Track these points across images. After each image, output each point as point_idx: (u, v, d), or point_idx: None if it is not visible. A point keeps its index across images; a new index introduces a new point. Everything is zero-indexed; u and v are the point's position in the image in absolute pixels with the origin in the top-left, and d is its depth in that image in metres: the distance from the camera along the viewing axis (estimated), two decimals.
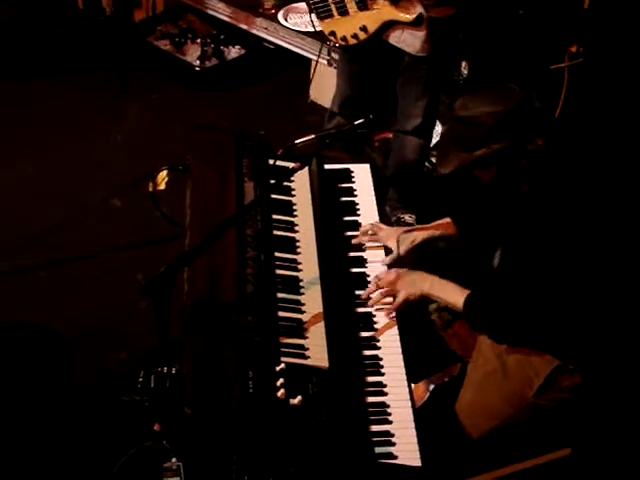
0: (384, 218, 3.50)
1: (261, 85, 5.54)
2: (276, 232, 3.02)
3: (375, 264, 3.13)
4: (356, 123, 3.00)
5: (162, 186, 3.12)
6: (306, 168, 3.02)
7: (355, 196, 3.35)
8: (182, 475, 2.67)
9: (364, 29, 3.94)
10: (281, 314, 2.76)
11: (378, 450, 2.59)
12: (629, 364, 3.15)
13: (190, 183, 3.06)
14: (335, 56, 4.82)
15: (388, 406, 2.71)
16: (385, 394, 2.74)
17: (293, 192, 3.18)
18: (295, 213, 3.11)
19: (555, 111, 4.36)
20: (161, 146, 4.81)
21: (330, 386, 2.61)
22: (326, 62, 5.07)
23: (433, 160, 4.55)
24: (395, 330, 2.92)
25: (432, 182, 4.40)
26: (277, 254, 2.94)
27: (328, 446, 2.46)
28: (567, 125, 4.35)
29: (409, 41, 3.92)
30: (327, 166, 3.38)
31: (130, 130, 5.12)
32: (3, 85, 5.25)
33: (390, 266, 3.12)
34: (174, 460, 2.70)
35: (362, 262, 3.13)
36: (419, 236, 3.18)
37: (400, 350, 2.86)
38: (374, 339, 2.89)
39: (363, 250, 3.18)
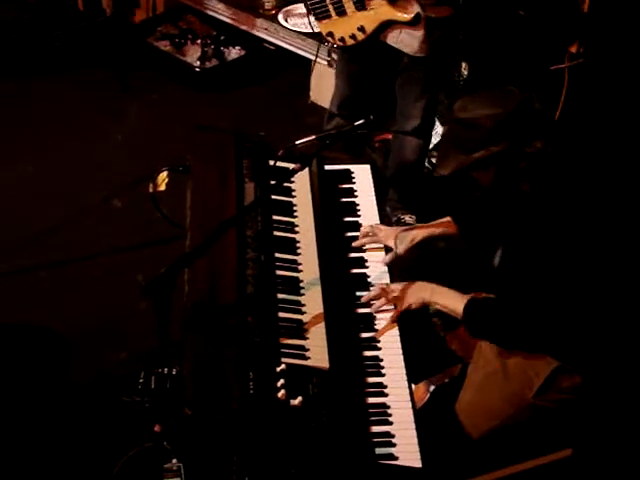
0: (384, 219, 3.50)
1: (261, 86, 5.54)
2: (276, 233, 3.02)
3: (376, 265, 3.13)
4: (356, 124, 3.00)
5: (162, 187, 3.12)
6: (306, 169, 3.02)
7: (355, 197, 3.35)
8: (182, 476, 2.68)
9: (362, 29, 3.94)
10: (281, 315, 2.76)
11: (378, 451, 2.59)
12: (629, 365, 3.16)
13: (190, 184, 3.06)
14: (335, 57, 4.82)
15: (388, 407, 2.71)
16: (385, 395, 2.74)
17: (293, 193, 3.18)
18: (295, 214, 3.11)
19: (555, 112, 4.36)
20: (161, 146, 4.81)
21: (330, 387, 2.61)
22: (326, 63, 5.08)
23: (433, 161, 4.56)
24: (396, 331, 2.92)
25: (432, 183, 4.40)
26: (277, 255, 2.94)
27: (329, 447, 2.46)
28: (566, 127, 4.35)
29: (407, 41, 3.92)
30: (327, 167, 3.38)
31: (130, 130, 5.12)
32: (3, 85, 5.25)
33: (390, 265, 3.12)
34: (175, 461, 2.71)
35: (362, 263, 3.13)
36: (419, 234, 3.18)
37: (401, 351, 2.86)
38: (374, 340, 2.89)
39: (363, 251, 3.18)
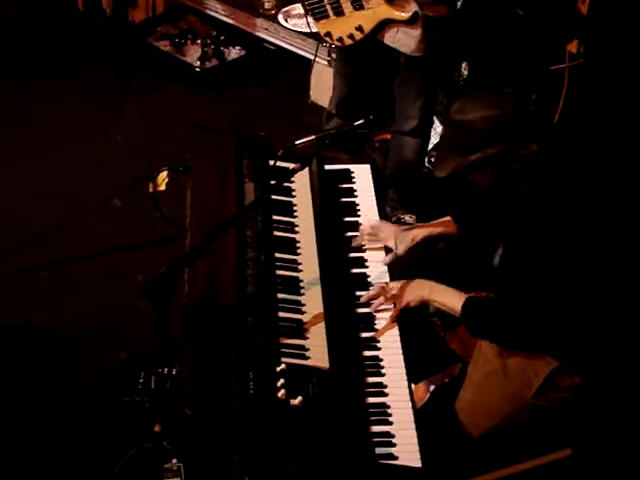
0: (384, 219, 3.50)
1: (261, 86, 5.54)
2: (276, 233, 3.02)
3: (375, 265, 3.13)
4: (356, 124, 3.00)
5: (162, 187, 3.12)
6: (306, 169, 3.02)
7: (355, 197, 3.35)
8: (182, 476, 2.68)
9: (360, 29, 3.94)
10: (281, 315, 2.76)
11: (378, 451, 2.59)
12: (628, 364, 3.16)
13: (190, 184, 3.06)
14: (335, 57, 4.82)
15: (388, 407, 2.71)
16: (385, 395, 2.74)
17: (293, 193, 3.18)
18: (295, 214, 3.11)
19: (555, 113, 4.36)
20: (161, 146, 4.82)
21: (330, 387, 2.61)
22: (326, 63, 5.08)
23: (433, 161, 4.55)
24: (395, 331, 2.92)
25: (432, 183, 4.40)
26: (277, 255, 2.94)
27: (328, 447, 2.46)
28: (566, 128, 4.35)
29: (404, 41, 3.93)
30: (327, 167, 3.38)
31: (130, 130, 5.12)
32: (3, 85, 5.25)
33: (390, 265, 3.12)
34: (175, 461, 2.71)
35: (362, 263, 3.13)
36: (419, 234, 3.18)
37: (400, 351, 2.86)
38: (374, 340, 2.89)
39: (363, 251, 3.18)
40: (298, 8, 5.37)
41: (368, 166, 3.47)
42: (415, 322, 3.07)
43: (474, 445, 2.96)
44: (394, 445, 2.61)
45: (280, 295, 2.81)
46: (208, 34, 5.66)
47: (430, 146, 4.57)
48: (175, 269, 2.43)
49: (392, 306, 2.97)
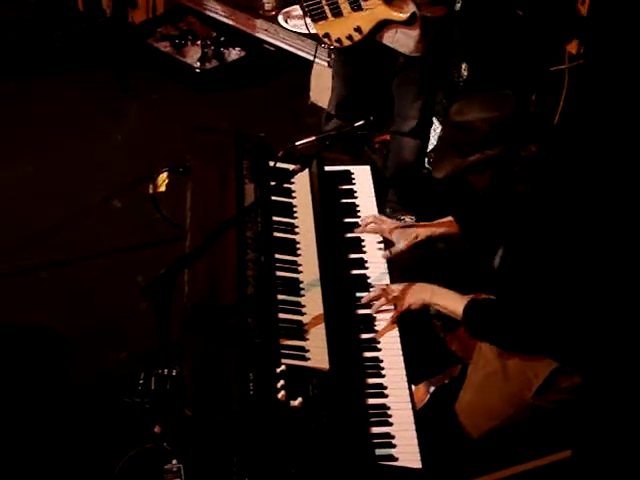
0: None
1: (261, 87, 5.54)
2: (276, 234, 3.02)
3: (375, 266, 3.13)
4: (356, 125, 3.00)
5: (162, 188, 3.12)
6: (306, 170, 3.02)
7: (355, 198, 3.35)
8: (183, 477, 2.68)
9: (358, 30, 3.95)
10: (281, 316, 2.76)
11: (378, 452, 2.59)
12: (628, 365, 3.16)
13: (190, 184, 3.06)
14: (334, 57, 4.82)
15: (388, 408, 2.71)
16: (385, 396, 2.74)
17: (293, 194, 3.18)
18: (295, 215, 3.11)
19: (554, 114, 4.36)
20: (161, 146, 4.82)
21: (331, 388, 2.61)
22: (326, 64, 5.08)
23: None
24: (396, 332, 2.92)
25: (432, 184, 4.40)
26: (277, 256, 2.94)
27: (328, 448, 2.46)
28: (566, 129, 4.35)
29: (403, 41, 3.93)
30: (327, 168, 3.38)
31: (130, 130, 5.12)
32: (3, 85, 5.26)
33: (390, 264, 3.12)
34: (175, 462, 2.71)
35: (362, 264, 3.13)
36: (421, 233, 3.19)
37: (401, 352, 2.86)
38: (375, 341, 2.89)
39: (364, 252, 3.17)
40: (298, 9, 5.36)
41: (368, 167, 3.47)
42: (415, 323, 3.07)
43: (474, 446, 2.96)
44: (394, 446, 2.61)
45: (280, 296, 2.81)
46: (208, 35, 5.67)
47: (430, 147, 4.57)
48: (175, 270, 2.43)
49: (392, 307, 2.97)
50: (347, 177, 3.42)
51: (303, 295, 2.85)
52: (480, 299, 2.90)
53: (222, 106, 5.28)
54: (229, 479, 2.39)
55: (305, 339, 2.72)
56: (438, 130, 4.63)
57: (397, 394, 2.75)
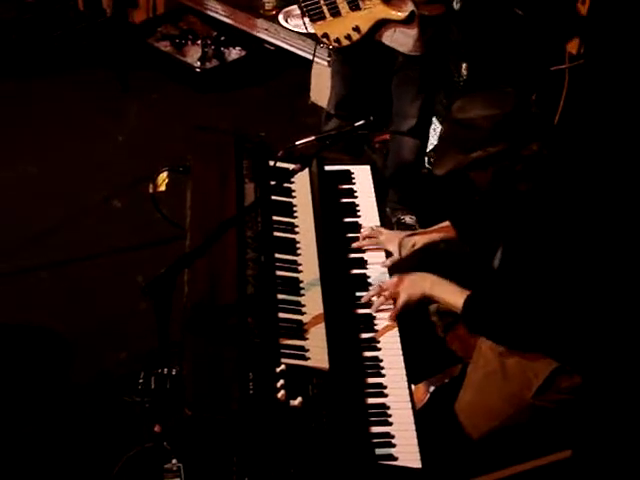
0: (384, 219, 3.50)
1: (261, 86, 5.54)
2: (276, 233, 3.02)
3: (375, 266, 3.13)
4: (356, 124, 3.00)
5: (162, 188, 3.12)
6: (306, 169, 3.02)
7: (355, 197, 3.35)
8: (182, 476, 2.68)
9: (357, 29, 3.95)
10: (281, 315, 2.76)
11: (378, 452, 2.59)
12: (628, 365, 3.15)
13: (190, 184, 3.06)
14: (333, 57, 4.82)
15: (388, 407, 2.70)
16: (385, 395, 2.74)
17: (293, 193, 3.18)
18: (295, 214, 3.11)
19: (555, 113, 4.36)
20: (161, 146, 4.82)
21: (330, 387, 2.61)
22: (326, 63, 5.07)
23: (433, 161, 4.55)
24: (395, 331, 2.92)
25: (432, 183, 4.40)
26: (277, 255, 2.94)
27: (328, 447, 2.46)
28: (566, 129, 4.35)
29: (401, 40, 3.94)
30: (327, 167, 3.38)
31: (130, 130, 5.12)
32: (3, 85, 5.26)
33: (391, 269, 3.12)
34: (174, 461, 2.71)
35: (362, 264, 3.13)
36: (420, 240, 3.19)
37: (400, 351, 2.86)
38: (374, 340, 2.89)
39: (363, 252, 3.18)
40: (298, 9, 5.38)
41: (368, 167, 3.47)
42: (415, 323, 3.07)
43: (474, 446, 2.96)
44: (394, 446, 2.61)
45: (280, 296, 2.81)
46: (208, 35, 5.67)
47: (430, 147, 4.57)
48: (175, 270, 2.43)
49: (392, 307, 2.96)
50: (347, 177, 3.42)
51: (303, 295, 2.85)
52: (480, 294, 2.90)
53: (222, 106, 5.28)
54: (229, 479, 2.39)
55: (305, 339, 2.72)
56: (438, 130, 4.63)
57: (397, 394, 2.74)
